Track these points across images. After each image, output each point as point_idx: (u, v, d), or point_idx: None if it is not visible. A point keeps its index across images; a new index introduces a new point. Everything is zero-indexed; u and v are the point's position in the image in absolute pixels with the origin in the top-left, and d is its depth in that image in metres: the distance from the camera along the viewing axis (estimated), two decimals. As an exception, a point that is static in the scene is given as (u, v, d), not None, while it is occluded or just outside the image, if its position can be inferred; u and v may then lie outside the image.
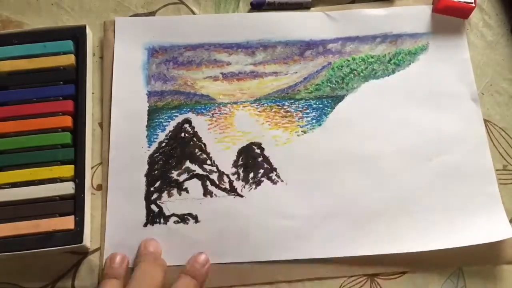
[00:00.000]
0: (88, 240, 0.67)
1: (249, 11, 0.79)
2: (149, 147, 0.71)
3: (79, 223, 0.66)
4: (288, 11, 0.78)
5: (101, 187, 0.70)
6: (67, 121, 0.70)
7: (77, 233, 0.65)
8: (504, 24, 0.79)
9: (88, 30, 0.75)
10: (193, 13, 0.79)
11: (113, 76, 0.74)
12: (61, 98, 0.71)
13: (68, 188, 0.67)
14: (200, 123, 0.72)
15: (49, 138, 0.69)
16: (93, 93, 0.74)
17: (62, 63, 0.73)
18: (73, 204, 0.67)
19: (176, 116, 0.72)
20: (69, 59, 0.73)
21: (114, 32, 0.76)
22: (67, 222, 0.65)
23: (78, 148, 0.69)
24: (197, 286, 0.63)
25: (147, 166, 0.70)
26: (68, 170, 0.68)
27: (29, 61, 0.73)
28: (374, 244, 0.67)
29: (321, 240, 0.67)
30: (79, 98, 0.72)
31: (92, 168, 0.71)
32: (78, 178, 0.68)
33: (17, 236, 0.65)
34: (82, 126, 0.70)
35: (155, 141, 0.71)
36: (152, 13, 0.78)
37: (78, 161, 0.69)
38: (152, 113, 0.72)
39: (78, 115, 0.71)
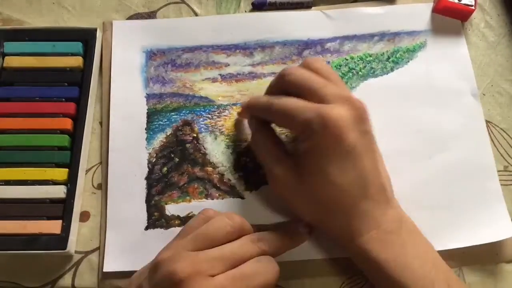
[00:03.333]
0: (73, 246, 0.67)
1: (250, 11, 0.79)
2: (149, 150, 0.70)
3: (66, 228, 0.66)
4: (287, 11, 0.78)
5: (101, 187, 0.70)
6: (67, 123, 0.70)
7: (62, 238, 0.65)
8: (506, 25, 0.78)
9: (98, 33, 0.75)
10: (194, 12, 0.79)
11: (111, 80, 0.74)
12: (64, 99, 0.71)
13: (59, 191, 0.67)
14: (200, 125, 0.72)
15: (47, 139, 0.69)
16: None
17: (69, 64, 0.73)
18: (63, 209, 0.67)
19: (176, 118, 0.72)
20: (77, 61, 0.73)
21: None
22: (54, 226, 0.65)
23: (74, 152, 0.69)
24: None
25: (147, 169, 0.70)
26: (62, 173, 0.68)
27: (37, 59, 0.73)
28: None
29: (322, 241, 0.66)
30: (81, 101, 0.72)
31: (93, 167, 0.71)
32: (71, 183, 0.68)
33: (3, 235, 0.65)
34: (81, 130, 0.70)
35: (155, 144, 0.71)
36: (153, 13, 0.79)
37: (73, 166, 0.69)
38: (152, 115, 0.72)
39: (79, 119, 0.71)
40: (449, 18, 0.77)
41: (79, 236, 0.68)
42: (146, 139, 0.71)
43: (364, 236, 0.58)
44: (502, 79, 0.76)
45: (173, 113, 0.72)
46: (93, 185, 0.70)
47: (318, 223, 0.62)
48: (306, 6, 0.78)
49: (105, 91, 0.74)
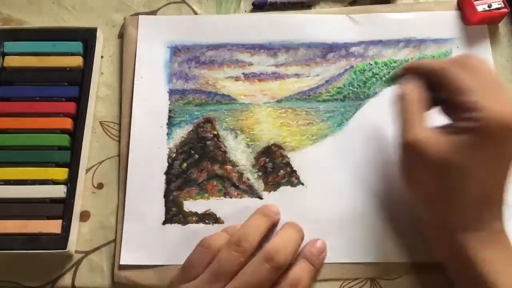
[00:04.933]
0: (73, 246, 0.66)
1: (251, 11, 0.80)
2: (169, 145, 0.71)
3: (66, 228, 0.65)
4: (310, 14, 0.78)
5: (102, 186, 0.70)
6: (67, 123, 0.70)
7: (62, 238, 0.65)
8: (506, 25, 0.79)
9: (98, 33, 0.75)
10: (194, 12, 0.79)
11: (135, 74, 0.74)
12: (64, 99, 0.71)
13: (59, 191, 0.67)
14: (221, 123, 0.72)
15: (47, 138, 0.69)
16: (97, 93, 0.75)
17: (69, 64, 0.73)
18: (63, 208, 0.66)
19: (197, 115, 0.72)
20: (77, 61, 0.73)
21: (137, 29, 0.76)
22: (55, 226, 0.65)
23: (74, 152, 0.69)
24: (314, 272, 0.63)
25: (167, 164, 0.70)
26: (62, 173, 0.68)
27: (37, 58, 0.73)
28: (391, 251, 0.66)
29: (339, 245, 0.66)
30: (81, 101, 0.71)
31: (93, 166, 0.71)
32: (71, 182, 0.68)
33: (3, 234, 0.65)
34: (81, 130, 0.70)
35: (175, 139, 0.71)
36: (153, 12, 0.79)
37: (73, 165, 0.69)
38: (173, 111, 0.72)
39: (79, 118, 0.71)
40: (475, 27, 0.77)
41: (79, 236, 0.68)
42: (167, 134, 0.71)
43: (466, 232, 0.56)
44: (503, 80, 0.75)
45: (195, 110, 0.73)
46: (93, 185, 0.70)
47: (426, 202, 0.60)
48: (307, 6, 0.79)
49: (127, 85, 0.74)
